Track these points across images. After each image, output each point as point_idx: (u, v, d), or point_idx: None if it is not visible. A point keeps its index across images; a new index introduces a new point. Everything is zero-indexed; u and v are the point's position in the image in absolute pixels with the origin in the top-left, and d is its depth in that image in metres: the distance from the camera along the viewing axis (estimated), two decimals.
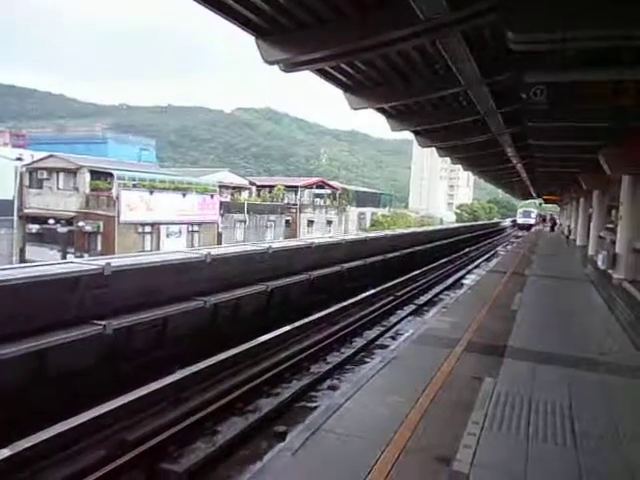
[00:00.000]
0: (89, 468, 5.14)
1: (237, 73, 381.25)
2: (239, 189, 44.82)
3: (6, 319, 6.77)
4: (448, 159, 27.74)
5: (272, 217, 42.72)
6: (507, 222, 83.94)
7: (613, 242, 16.02)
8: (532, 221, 67.76)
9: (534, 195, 55.21)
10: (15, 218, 28.50)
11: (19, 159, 31.65)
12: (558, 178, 28.84)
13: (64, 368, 7.40)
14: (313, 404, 7.72)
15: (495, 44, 9.25)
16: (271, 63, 8.90)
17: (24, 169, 30.79)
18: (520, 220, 70.24)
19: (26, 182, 30.90)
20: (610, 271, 15.83)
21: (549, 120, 11.73)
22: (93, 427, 5.84)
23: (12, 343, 6.46)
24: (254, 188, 47.04)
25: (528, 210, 72.94)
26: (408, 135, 18.74)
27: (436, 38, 8.48)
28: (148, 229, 30.63)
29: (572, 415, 4.90)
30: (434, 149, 21.75)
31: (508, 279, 13.79)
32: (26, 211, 30.01)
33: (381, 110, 14.80)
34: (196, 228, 34.15)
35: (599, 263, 17.70)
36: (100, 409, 6.08)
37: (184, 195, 33.23)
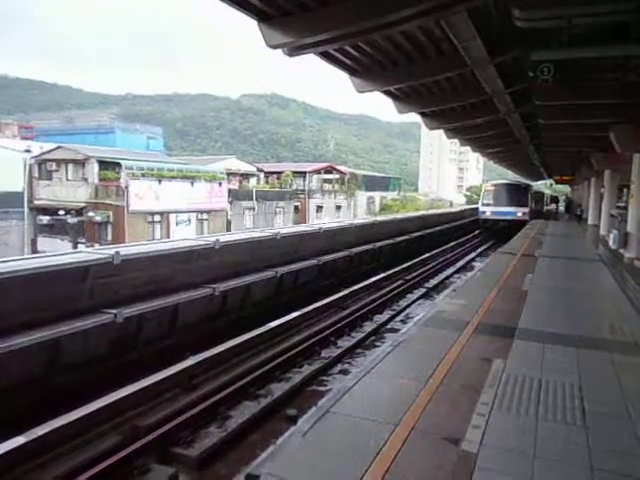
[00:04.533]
0: (103, 454, 5.22)
1: (243, 59, 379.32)
2: (247, 176, 44.79)
3: (19, 309, 6.86)
4: (457, 141, 27.52)
5: (281, 203, 42.71)
6: None
7: (624, 221, 15.86)
8: (520, 212, 28.93)
9: (545, 176, 54.47)
10: (26, 210, 28.72)
11: (28, 151, 31.81)
12: (569, 158, 28.52)
13: (77, 357, 7.50)
14: (324, 388, 7.78)
15: (501, 22, 9.10)
16: (274, 47, 8.82)
17: (33, 161, 30.96)
18: (488, 211, 29.74)
19: (35, 174, 31.08)
20: (622, 250, 15.69)
21: (557, 98, 11.58)
22: (107, 414, 5.93)
23: (26, 333, 6.55)
24: (262, 175, 46.97)
25: (512, 184, 31.52)
26: (417, 118, 18.56)
27: (441, 17, 8.35)
28: (157, 218, 30.76)
29: (582, 395, 4.88)
30: (443, 131, 21.56)
31: (518, 260, 13.71)
32: (36, 203, 30.21)
33: (388, 93, 14.66)
34: (205, 216, 34.22)
35: (610, 242, 17.55)
36: (113, 396, 6.16)
37: (192, 183, 33.27)
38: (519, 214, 28.46)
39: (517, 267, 12.57)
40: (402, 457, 3.67)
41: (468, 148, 32.12)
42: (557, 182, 56.74)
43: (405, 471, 3.50)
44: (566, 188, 66.07)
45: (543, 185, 69.54)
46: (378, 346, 9.93)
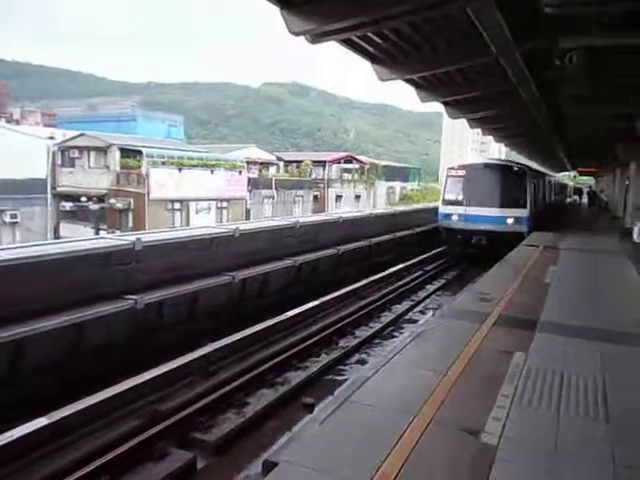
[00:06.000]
0: (123, 437, 5.29)
1: (263, 48, 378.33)
2: (267, 165, 44.79)
3: (43, 293, 6.96)
4: (479, 131, 27.13)
5: (300, 192, 42.64)
6: None
7: None
8: (512, 219, 16.74)
9: (568, 167, 53.47)
10: (49, 196, 29.11)
11: (51, 138, 32.17)
12: (594, 149, 27.97)
13: (98, 341, 7.60)
14: (341, 377, 7.78)
15: (528, 8, 8.89)
16: (297, 34, 8.74)
17: (56, 148, 31.32)
18: (454, 215, 17.55)
19: (58, 161, 31.44)
20: None
21: (584, 87, 11.31)
22: (127, 398, 6.00)
23: (49, 317, 6.65)
24: (282, 164, 46.93)
25: (498, 165, 18.18)
26: (438, 107, 18.33)
27: (467, 5, 8.19)
28: (177, 206, 30.96)
29: (605, 389, 4.80)
30: (465, 120, 21.26)
31: (541, 252, 13.51)
32: (59, 189, 30.59)
33: (410, 81, 14.47)
34: (224, 204, 34.35)
35: (635, 236, 17.19)
36: (134, 380, 6.24)
37: (212, 172, 33.38)
38: (509, 221, 16.70)
39: (539, 259, 12.39)
40: (421, 448, 3.64)
41: (490, 138, 31.69)
42: (581, 174, 55.80)
43: (424, 462, 3.47)
44: (590, 180, 64.80)
45: (567, 177, 67.63)
46: (396, 337, 9.91)
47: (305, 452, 3.60)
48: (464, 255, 17.67)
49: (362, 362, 8.48)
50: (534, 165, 35.66)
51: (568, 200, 37.47)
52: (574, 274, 10.94)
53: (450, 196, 17.85)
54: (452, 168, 18.21)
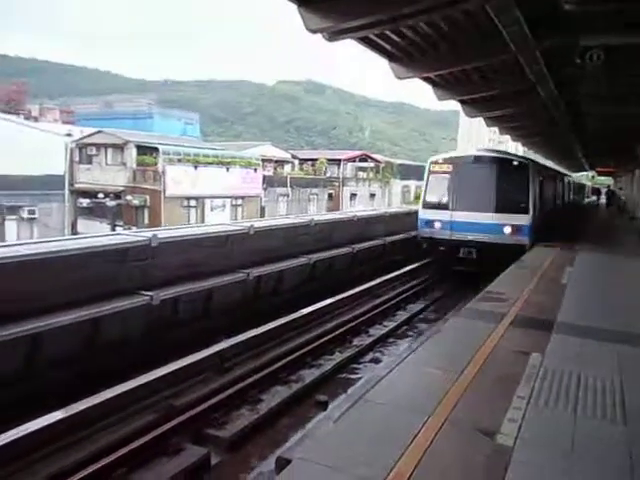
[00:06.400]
0: (139, 431, 5.34)
1: (279, 46, 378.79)
2: (282, 163, 44.86)
3: (61, 289, 7.03)
4: (496, 129, 26.89)
5: (314, 190, 42.64)
6: None
7: None
8: (509, 228, 13.47)
9: (586, 167, 52.74)
10: (66, 192, 29.40)
11: (69, 135, 32.51)
12: (612, 148, 27.59)
13: (114, 337, 7.66)
14: (355, 375, 7.78)
15: (548, 6, 8.78)
16: (314, 31, 8.72)
17: (74, 145, 31.64)
18: (437, 222, 14.35)
19: (76, 158, 31.76)
20: None
21: (602, 86, 11.15)
22: (142, 393, 6.05)
23: (66, 312, 6.71)
24: (297, 161, 46.99)
25: (493, 158, 14.58)
26: (455, 105, 18.19)
27: (485, 3, 8.11)
28: (193, 203, 31.14)
29: (623, 391, 4.73)
30: (482, 119, 21.08)
31: (558, 252, 13.35)
32: (77, 186, 30.90)
33: (427, 79, 14.38)
34: (239, 202, 34.47)
35: None
36: (149, 376, 6.29)
37: (228, 169, 33.52)
38: (507, 230, 13.53)
39: (557, 260, 12.25)
40: (435, 447, 3.61)
41: (507, 137, 31.38)
42: (599, 174, 55.04)
43: (438, 462, 3.45)
44: (608, 180, 63.81)
45: (585, 177, 66.60)
46: (411, 336, 9.88)
47: (319, 450, 3.59)
48: (450, 272, 14.45)
49: (376, 361, 8.47)
50: (550, 164, 33.80)
51: (586, 200, 36.44)
52: (591, 275, 10.80)
53: (433, 198, 14.70)
54: (436, 162, 14.85)
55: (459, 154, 15.48)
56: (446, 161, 14.70)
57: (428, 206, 14.68)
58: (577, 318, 7.19)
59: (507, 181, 13.84)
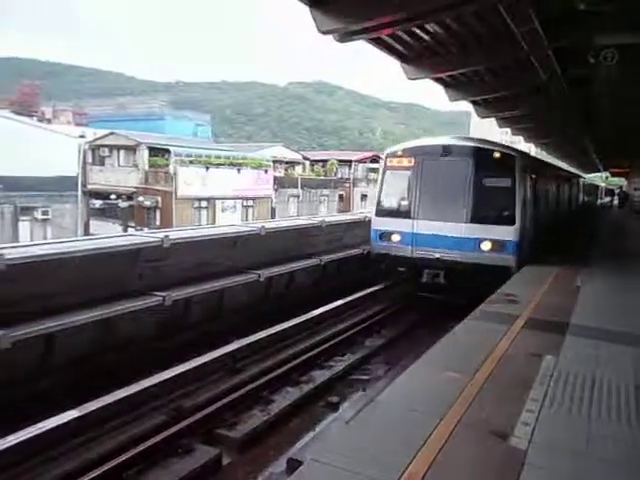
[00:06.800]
0: (149, 432, 5.36)
1: (290, 47, 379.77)
2: (293, 164, 44.91)
3: (73, 289, 7.08)
4: (508, 130, 26.73)
5: (325, 191, 42.65)
6: None
7: None
8: (489, 243, 10.05)
9: (600, 168, 52.26)
10: (79, 194, 29.63)
11: (82, 137, 32.79)
12: (626, 149, 27.32)
13: (126, 337, 7.70)
14: (367, 377, 7.75)
15: (561, 5, 8.73)
16: (325, 33, 8.74)
17: (87, 146, 31.90)
18: (394, 235, 10.98)
19: (89, 159, 32.04)
20: None
21: (619, 85, 11.04)
22: (153, 393, 6.08)
23: (79, 312, 6.75)
24: (307, 163, 47.01)
25: (465, 147, 10.66)
26: (465, 106, 18.16)
27: (498, 3, 8.08)
28: (204, 204, 31.28)
29: (637, 394, 4.67)
30: (493, 120, 20.99)
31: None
32: (89, 187, 31.16)
33: (439, 80, 14.36)
34: (250, 203, 34.56)
35: None
36: (160, 376, 6.31)
37: (239, 170, 33.63)
38: (485, 246, 10.26)
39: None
40: (448, 450, 3.59)
41: (519, 137, 31.18)
42: (613, 175, 54.56)
43: (451, 464, 3.42)
44: (622, 182, 63.15)
45: (599, 178, 65.46)
46: (421, 337, 9.82)
47: (331, 451, 3.58)
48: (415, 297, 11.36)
49: (388, 362, 8.44)
50: (563, 166, 30.78)
51: (600, 202, 35.44)
52: (605, 277, 10.68)
53: (389, 202, 11.45)
54: (393, 154, 11.33)
55: (423, 142, 11.64)
56: (406, 153, 11.16)
57: (383, 213, 11.39)
58: (591, 320, 7.10)
59: (487, 180, 10.36)
